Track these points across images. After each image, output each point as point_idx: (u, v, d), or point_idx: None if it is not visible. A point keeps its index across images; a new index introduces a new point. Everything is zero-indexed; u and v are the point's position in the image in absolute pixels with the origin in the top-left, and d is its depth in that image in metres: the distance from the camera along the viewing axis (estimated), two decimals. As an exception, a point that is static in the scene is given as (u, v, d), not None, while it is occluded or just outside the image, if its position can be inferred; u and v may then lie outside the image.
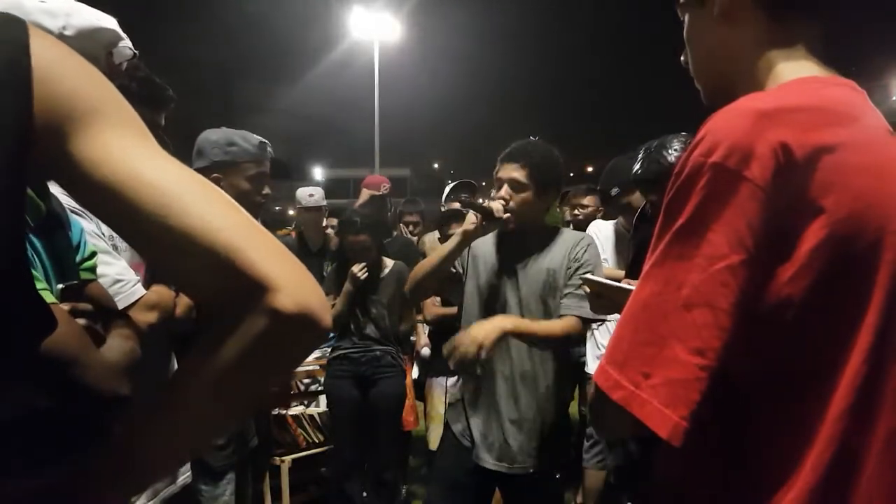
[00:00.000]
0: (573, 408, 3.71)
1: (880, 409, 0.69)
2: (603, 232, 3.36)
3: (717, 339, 0.66)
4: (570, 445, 2.06)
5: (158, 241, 0.54)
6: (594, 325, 3.20)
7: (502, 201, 1.98)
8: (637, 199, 2.42)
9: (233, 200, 0.58)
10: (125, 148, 0.56)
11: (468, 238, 1.99)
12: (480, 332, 1.85)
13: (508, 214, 1.98)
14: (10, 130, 0.52)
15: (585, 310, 1.95)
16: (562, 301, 2.00)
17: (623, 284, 2.41)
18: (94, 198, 0.56)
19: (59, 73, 0.56)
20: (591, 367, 3.17)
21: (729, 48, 0.85)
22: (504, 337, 1.88)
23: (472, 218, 1.98)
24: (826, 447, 0.67)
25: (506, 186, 2.00)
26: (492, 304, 2.07)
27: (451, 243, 2.01)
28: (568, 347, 1.98)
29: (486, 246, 2.12)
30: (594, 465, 3.15)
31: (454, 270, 2.14)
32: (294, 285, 0.53)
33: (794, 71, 0.80)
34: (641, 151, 2.05)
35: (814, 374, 0.69)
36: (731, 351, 0.67)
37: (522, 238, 2.08)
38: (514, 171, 2.00)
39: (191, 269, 0.55)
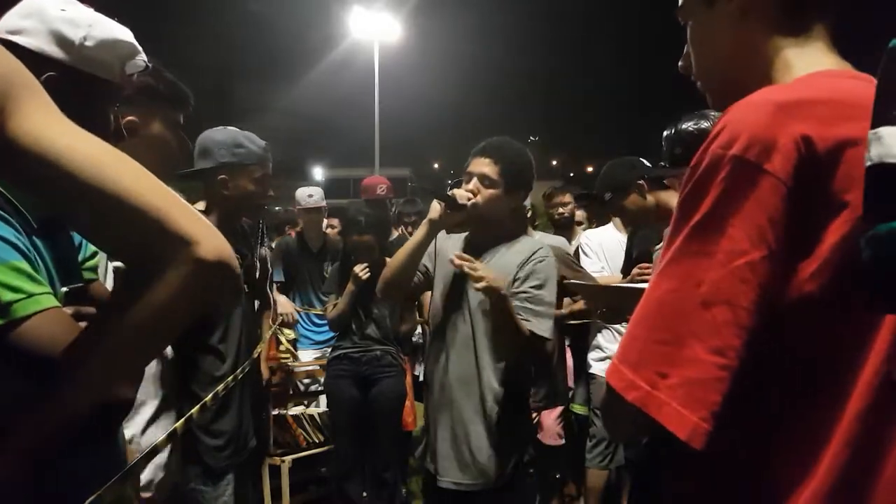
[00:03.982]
0: (573, 407, 3.71)
1: None
2: (594, 241, 3.35)
3: (737, 337, 0.64)
4: (513, 461, 1.96)
5: (94, 205, 0.62)
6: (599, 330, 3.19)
7: (469, 193, 1.96)
8: (630, 202, 2.42)
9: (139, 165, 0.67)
10: (56, 123, 0.64)
11: (434, 227, 1.96)
12: (490, 273, 1.83)
13: (472, 202, 1.94)
14: None
15: (541, 327, 1.88)
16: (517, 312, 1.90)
17: (609, 283, 2.38)
18: (32, 169, 0.62)
19: None
20: (595, 368, 3.16)
21: (744, 46, 0.82)
22: (495, 298, 1.82)
23: (435, 206, 1.96)
24: (843, 447, 0.66)
25: (475, 180, 1.98)
26: (449, 307, 2.03)
27: (419, 234, 1.99)
28: (515, 359, 1.88)
29: (451, 245, 2.08)
30: (596, 464, 3.15)
31: (422, 274, 2.10)
32: (211, 239, 0.63)
33: (810, 65, 0.78)
34: (665, 132, 2.02)
35: (832, 372, 0.68)
36: (752, 349, 0.65)
37: (484, 240, 2.05)
38: (485, 167, 1.98)
39: (123, 229, 0.63)
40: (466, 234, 2.14)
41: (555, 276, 2.00)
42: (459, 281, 2.00)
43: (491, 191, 1.97)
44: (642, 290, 0.71)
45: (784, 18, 0.80)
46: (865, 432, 0.66)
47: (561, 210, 3.89)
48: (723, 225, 0.65)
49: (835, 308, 0.66)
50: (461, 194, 1.95)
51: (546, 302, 1.93)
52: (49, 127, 0.63)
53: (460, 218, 1.97)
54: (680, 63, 0.91)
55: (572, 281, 1.95)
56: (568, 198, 3.89)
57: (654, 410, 0.65)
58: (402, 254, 2.02)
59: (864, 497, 0.67)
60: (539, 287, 1.93)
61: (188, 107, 1.70)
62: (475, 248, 2.04)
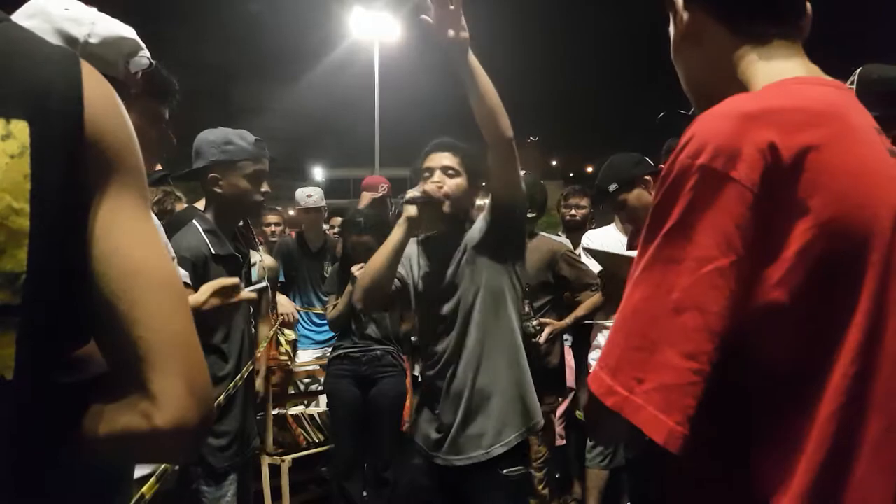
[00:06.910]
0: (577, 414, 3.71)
1: (870, 410, 0.68)
2: (595, 242, 3.32)
3: (708, 342, 0.66)
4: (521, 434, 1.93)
5: (106, 305, 0.60)
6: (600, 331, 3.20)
7: (439, 183, 1.95)
8: (634, 196, 2.41)
9: (184, 298, 0.65)
10: (128, 216, 0.62)
11: (412, 225, 1.92)
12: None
13: (444, 191, 1.93)
14: (70, 156, 0.59)
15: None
16: None
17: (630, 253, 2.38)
18: (96, 260, 0.61)
19: (105, 121, 0.62)
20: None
21: (705, 67, 0.86)
22: None
23: (410, 207, 1.92)
24: (816, 449, 0.67)
25: (438, 172, 1.97)
26: (436, 305, 1.98)
27: (396, 235, 1.93)
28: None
29: (412, 251, 2.07)
30: (596, 464, 3.15)
31: (399, 282, 2.03)
32: (174, 404, 0.60)
33: (779, 73, 0.79)
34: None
35: (803, 375, 0.69)
36: (723, 354, 0.67)
37: (453, 239, 2.00)
38: (445, 159, 1.98)
39: (115, 343, 0.61)
40: (423, 237, 2.10)
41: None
42: (449, 276, 1.97)
43: (456, 180, 1.97)
44: None
45: (738, 32, 0.82)
46: (838, 433, 0.67)
47: (574, 212, 3.79)
48: (692, 233, 0.67)
49: (802, 312, 0.67)
50: (431, 188, 1.93)
51: None
52: (117, 217, 0.62)
53: (434, 213, 1.94)
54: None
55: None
56: (584, 201, 3.78)
57: (632, 415, 0.66)
58: (379, 257, 1.95)
59: (840, 498, 0.67)
60: None
61: (171, 98, 1.62)
62: (442, 249, 2.01)
